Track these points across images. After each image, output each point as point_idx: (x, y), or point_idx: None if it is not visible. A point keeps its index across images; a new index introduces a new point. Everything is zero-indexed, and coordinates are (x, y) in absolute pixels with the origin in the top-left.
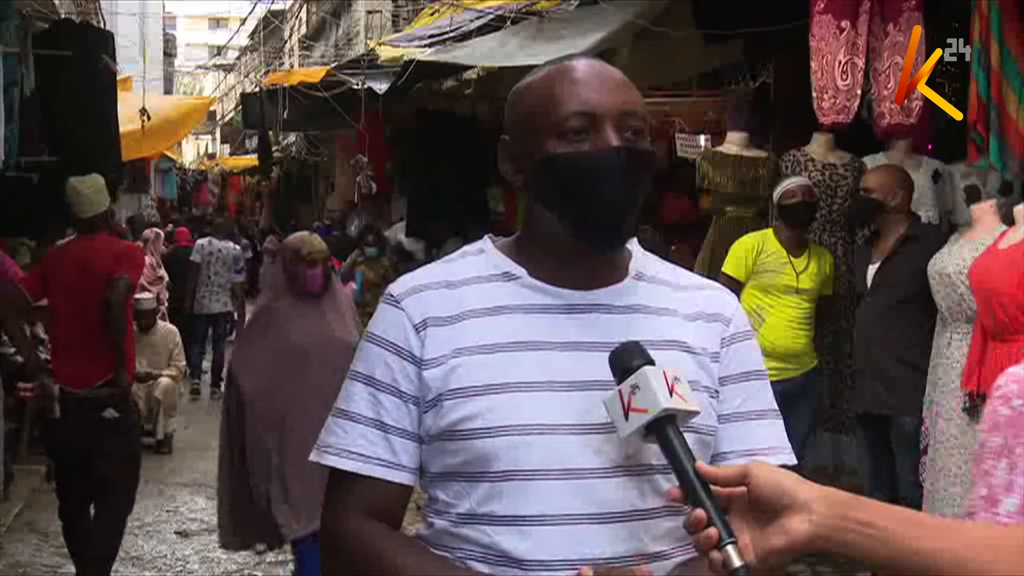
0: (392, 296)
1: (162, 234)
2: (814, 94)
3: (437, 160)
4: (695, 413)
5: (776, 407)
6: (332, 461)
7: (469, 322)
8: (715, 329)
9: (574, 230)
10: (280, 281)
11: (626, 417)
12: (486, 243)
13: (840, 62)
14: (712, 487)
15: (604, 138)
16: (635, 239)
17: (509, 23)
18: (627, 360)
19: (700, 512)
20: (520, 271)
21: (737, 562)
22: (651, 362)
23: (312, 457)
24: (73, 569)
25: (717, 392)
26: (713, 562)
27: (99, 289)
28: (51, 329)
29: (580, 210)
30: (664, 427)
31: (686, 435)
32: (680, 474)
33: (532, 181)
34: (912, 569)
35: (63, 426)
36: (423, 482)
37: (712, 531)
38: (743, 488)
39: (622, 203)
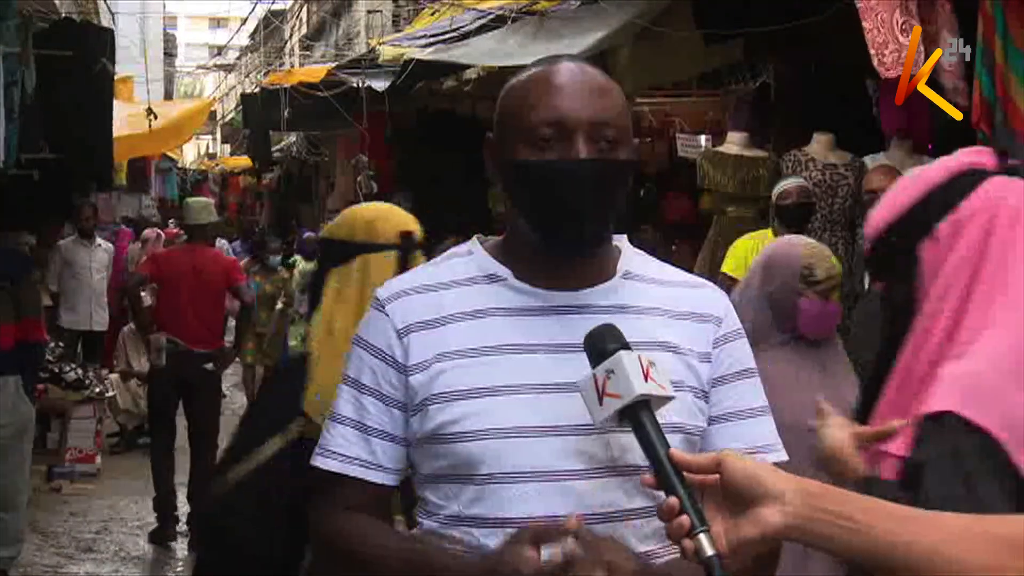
0: (378, 300)
1: (162, 235)
2: (872, 51)
3: (437, 160)
4: (670, 398)
5: (767, 404)
6: (318, 461)
7: (452, 326)
8: (705, 329)
9: (539, 234)
10: (765, 317)
11: (600, 402)
12: (474, 244)
13: (898, 21)
14: (685, 474)
15: (573, 149)
16: (625, 237)
17: (509, 23)
18: (602, 344)
19: (673, 499)
20: (505, 272)
21: (709, 551)
22: (627, 346)
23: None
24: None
25: (705, 392)
26: (685, 550)
27: (215, 290)
28: (162, 309)
29: (544, 216)
30: (638, 413)
31: (672, 436)
32: (653, 461)
33: (506, 184)
34: (887, 561)
35: (170, 371)
36: (415, 483)
37: (684, 519)
38: (716, 476)
39: (585, 214)
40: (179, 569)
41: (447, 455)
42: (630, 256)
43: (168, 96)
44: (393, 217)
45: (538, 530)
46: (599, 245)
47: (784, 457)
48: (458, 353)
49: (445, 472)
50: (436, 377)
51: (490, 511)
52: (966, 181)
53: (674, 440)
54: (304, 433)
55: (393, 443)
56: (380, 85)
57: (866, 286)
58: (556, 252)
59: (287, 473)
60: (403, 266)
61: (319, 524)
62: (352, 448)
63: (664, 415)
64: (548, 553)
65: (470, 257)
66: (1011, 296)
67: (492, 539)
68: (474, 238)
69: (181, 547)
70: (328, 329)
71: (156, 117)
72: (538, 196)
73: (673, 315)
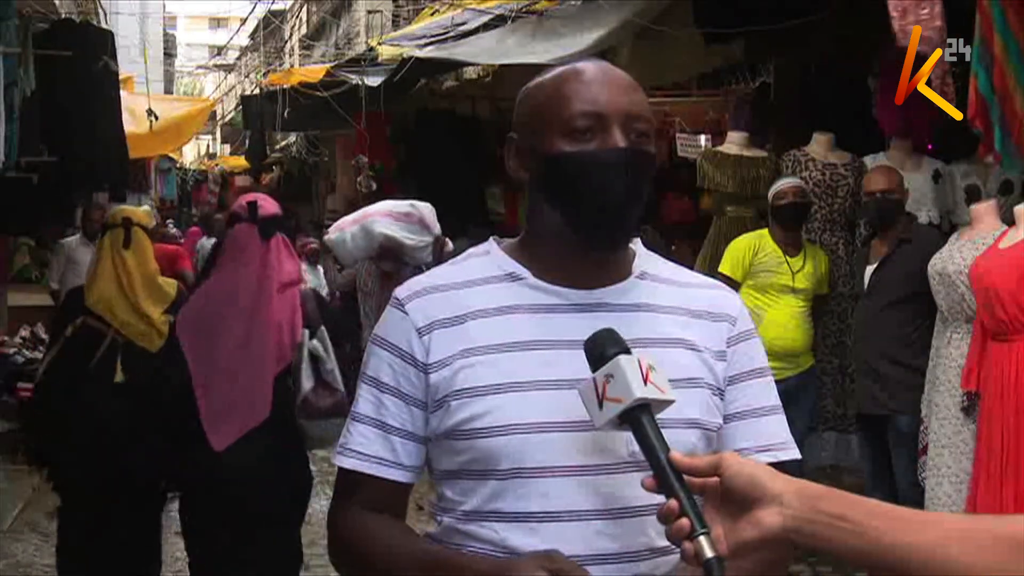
0: (398, 300)
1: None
2: (894, 15)
3: (437, 159)
4: (670, 402)
5: (779, 403)
6: (338, 460)
7: (474, 323)
8: (720, 328)
9: (576, 228)
10: None
11: (600, 406)
12: (491, 245)
13: None
14: (685, 477)
15: (611, 138)
16: (638, 239)
17: (510, 22)
18: (601, 348)
19: (673, 502)
20: (524, 272)
21: (709, 553)
22: (627, 350)
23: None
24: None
25: (721, 390)
26: (686, 552)
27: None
28: None
29: (583, 208)
30: (638, 416)
31: (690, 431)
32: (653, 464)
33: (537, 178)
34: (885, 562)
35: None
36: (433, 479)
37: (684, 521)
38: (716, 478)
39: (625, 203)
40: (179, 569)
41: (468, 450)
42: (645, 257)
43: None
44: (126, 210)
45: (565, 566)
46: (631, 237)
47: (796, 455)
48: (481, 349)
49: (464, 467)
50: (458, 373)
51: (511, 506)
52: None
53: (692, 436)
54: (85, 322)
55: (413, 441)
56: (378, 82)
57: (865, 285)
58: (592, 243)
59: (76, 352)
60: (126, 237)
61: (338, 523)
62: (372, 446)
63: (683, 411)
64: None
65: (488, 257)
66: None
67: (512, 533)
68: (491, 239)
69: (181, 546)
70: (96, 272)
71: (157, 118)
72: (578, 187)
73: (689, 314)
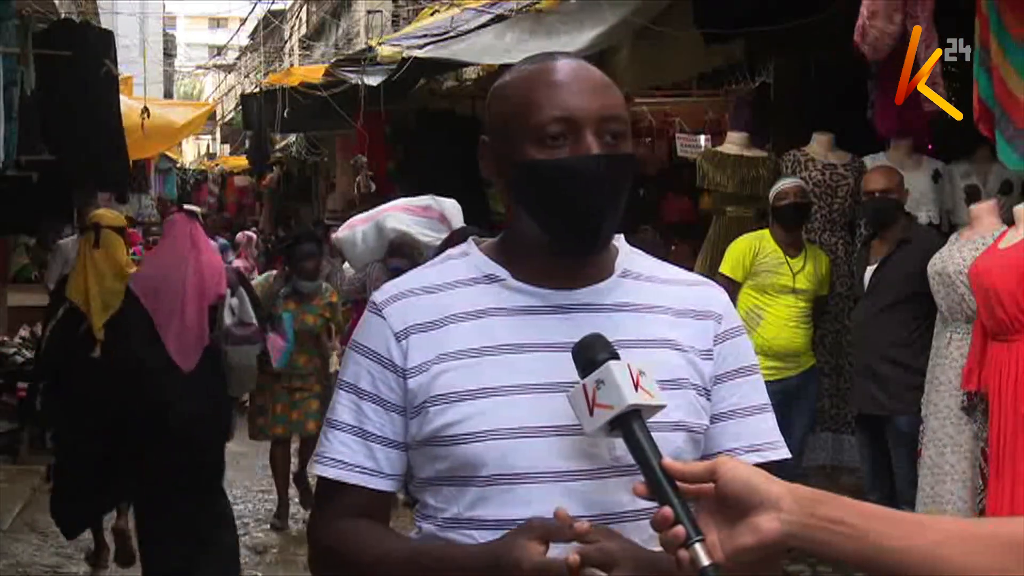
0: (375, 304)
1: (254, 237)
2: (860, 21)
3: (437, 159)
4: (661, 407)
5: (769, 401)
6: (317, 469)
7: (452, 327)
8: (706, 326)
9: (552, 236)
10: None
11: (590, 413)
12: (470, 246)
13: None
14: (679, 484)
15: (584, 145)
16: (622, 236)
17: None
18: (591, 354)
19: (667, 510)
20: (504, 273)
21: (705, 561)
22: (616, 356)
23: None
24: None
25: (707, 390)
26: (680, 561)
27: None
28: None
29: (559, 217)
30: (630, 422)
31: (676, 434)
32: (646, 470)
33: (511, 184)
34: (884, 565)
35: None
36: (412, 487)
37: (679, 529)
38: (711, 484)
39: (601, 210)
40: None
41: (448, 457)
42: (627, 254)
43: (168, 96)
44: (97, 214)
45: (548, 526)
46: (608, 242)
47: (786, 455)
48: (459, 354)
49: (445, 474)
50: (436, 378)
51: (492, 513)
52: None
53: (678, 438)
54: (71, 306)
55: (394, 448)
56: (377, 81)
57: (865, 286)
58: (569, 251)
59: (60, 335)
60: (96, 239)
61: (319, 533)
62: (353, 455)
63: (668, 413)
64: (559, 552)
65: (467, 258)
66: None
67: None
68: (469, 239)
69: None
70: (76, 267)
71: (149, 115)
72: (552, 196)
73: (673, 312)
